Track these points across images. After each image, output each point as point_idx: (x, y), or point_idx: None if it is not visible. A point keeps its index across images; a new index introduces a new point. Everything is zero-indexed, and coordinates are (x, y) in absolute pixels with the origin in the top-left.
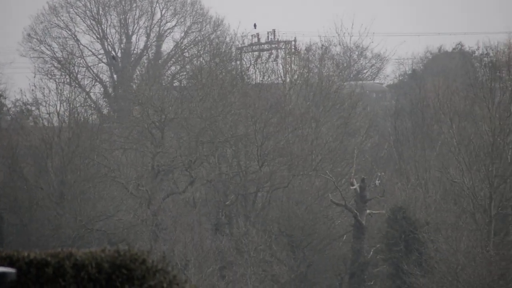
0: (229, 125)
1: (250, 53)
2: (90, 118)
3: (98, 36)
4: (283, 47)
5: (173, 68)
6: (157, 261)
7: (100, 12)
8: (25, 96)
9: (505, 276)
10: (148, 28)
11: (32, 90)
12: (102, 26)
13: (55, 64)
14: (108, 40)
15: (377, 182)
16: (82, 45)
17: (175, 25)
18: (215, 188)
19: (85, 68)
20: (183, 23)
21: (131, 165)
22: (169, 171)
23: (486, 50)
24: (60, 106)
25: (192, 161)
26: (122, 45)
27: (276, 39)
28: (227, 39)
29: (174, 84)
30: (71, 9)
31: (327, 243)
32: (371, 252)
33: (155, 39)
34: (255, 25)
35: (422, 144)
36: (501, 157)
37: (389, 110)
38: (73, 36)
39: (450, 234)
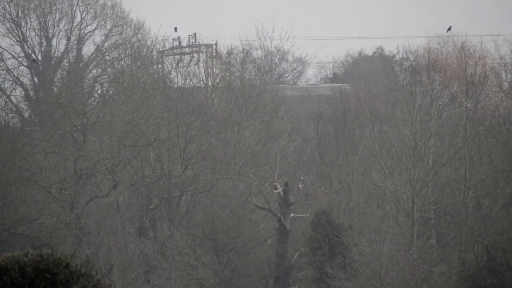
0: (152, 129)
1: (171, 56)
2: (11, 121)
3: (18, 39)
4: (204, 51)
5: (94, 71)
6: (81, 265)
7: (20, 14)
8: None
9: (428, 279)
10: (68, 31)
11: None
12: (22, 29)
13: None
14: (28, 43)
15: (300, 185)
16: (2, 48)
17: (95, 28)
18: (139, 191)
19: (5, 71)
20: (103, 26)
21: (53, 169)
22: (92, 174)
23: (406, 54)
24: None
25: (115, 165)
26: (42, 48)
27: (197, 43)
28: (148, 43)
29: (96, 88)
30: None
31: (252, 247)
32: (295, 256)
33: (75, 42)
34: (176, 29)
35: (344, 148)
36: (422, 160)
37: (311, 114)
38: None
39: (374, 238)
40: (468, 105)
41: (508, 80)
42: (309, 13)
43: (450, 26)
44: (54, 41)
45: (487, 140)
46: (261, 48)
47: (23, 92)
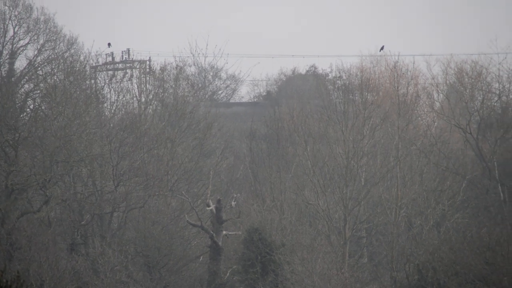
0: (84, 144)
1: (104, 72)
2: None
3: None
4: (138, 67)
5: (26, 86)
6: (11, 281)
7: None
8: None
9: None
10: (0, 45)
11: None
12: None
13: None
14: None
15: (233, 203)
16: None
17: (28, 43)
18: (70, 207)
19: None
20: (36, 40)
21: None
22: (23, 190)
23: (339, 73)
24: None
25: (46, 180)
26: None
27: (131, 59)
28: (81, 58)
29: (28, 102)
30: None
31: (184, 264)
32: (228, 274)
33: (7, 56)
34: (109, 44)
35: (277, 166)
36: (354, 179)
37: (245, 132)
38: None
39: (306, 256)
40: (400, 124)
41: (440, 100)
42: (243, 30)
43: (383, 46)
44: None
45: (419, 160)
46: (194, 64)
47: None
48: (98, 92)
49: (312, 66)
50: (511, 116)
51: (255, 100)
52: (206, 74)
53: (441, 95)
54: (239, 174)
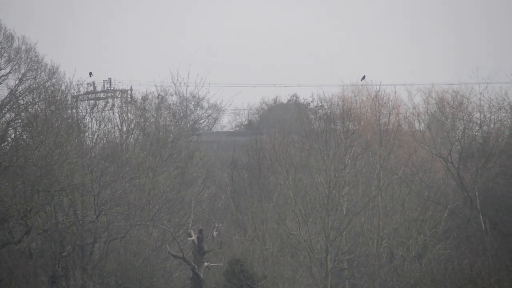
0: (65, 174)
1: (86, 101)
2: None
3: None
4: (119, 96)
5: (7, 115)
6: None
7: None
8: None
9: None
10: None
11: None
12: None
13: None
14: None
15: (214, 233)
16: None
17: (9, 72)
18: (52, 237)
19: None
20: (17, 70)
21: None
22: (4, 220)
23: (321, 102)
24: None
25: (27, 210)
26: None
27: (112, 88)
28: (63, 87)
29: (9, 132)
30: None
31: None
32: None
33: None
34: (90, 74)
35: (259, 196)
36: (336, 209)
37: (226, 161)
38: None
39: None
40: (382, 154)
41: (421, 130)
42: (225, 60)
43: (364, 75)
44: None
45: (401, 189)
46: (176, 94)
47: None
48: (79, 121)
49: (293, 96)
50: (492, 145)
51: (237, 129)
52: (187, 103)
53: (423, 124)
54: (221, 203)
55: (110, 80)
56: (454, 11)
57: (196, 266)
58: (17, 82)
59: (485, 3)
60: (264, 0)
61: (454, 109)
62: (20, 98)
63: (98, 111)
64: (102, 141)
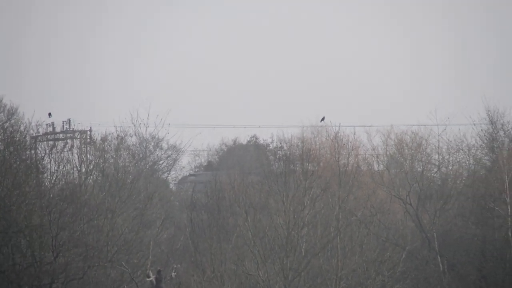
0: (24, 215)
1: (45, 142)
2: None
3: None
4: (78, 137)
5: None
6: None
7: None
8: None
9: None
10: None
11: None
12: None
13: None
14: None
15: (173, 274)
16: None
17: None
18: (9, 279)
19: None
20: None
21: None
22: None
23: (281, 143)
24: None
25: None
26: None
27: (72, 129)
28: (22, 128)
29: None
30: None
31: None
32: None
33: None
34: (50, 114)
35: (217, 237)
36: (295, 250)
37: (185, 202)
38: None
39: None
40: (341, 195)
41: (380, 171)
42: (184, 101)
43: (324, 117)
44: None
45: (359, 230)
46: (135, 135)
47: None
48: (38, 162)
49: (253, 137)
50: (450, 187)
51: (196, 170)
52: (147, 144)
53: (382, 165)
54: (180, 244)
55: (70, 120)
56: (412, 53)
57: None
58: None
59: (441, 45)
60: (224, 41)
61: (413, 151)
62: None
63: (57, 152)
64: (60, 182)
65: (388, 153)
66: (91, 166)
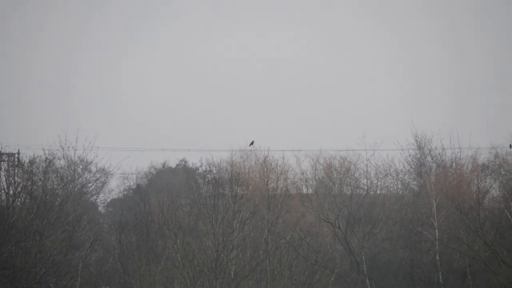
0: None
1: None
2: None
3: None
4: (6, 159)
5: None
6: None
7: None
8: None
9: None
10: None
11: None
12: None
13: None
14: None
15: None
16: None
17: None
18: None
19: None
20: None
21: None
22: None
23: (210, 167)
24: None
25: None
26: None
27: None
28: None
29: None
30: None
31: None
32: None
33: None
34: None
35: (146, 259)
36: (224, 272)
37: (114, 224)
38: None
39: None
40: (270, 218)
41: (309, 195)
42: (113, 125)
43: (253, 141)
44: None
45: (288, 254)
46: (64, 158)
47: None
48: None
49: (182, 160)
50: (378, 211)
51: (125, 193)
52: (75, 167)
53: (310, 189)
54: (108, 266)
55: None
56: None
57: None
58: None
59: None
60: (150, 65)
61: (341, 175)
62: None
63: None
64: None
65: (317, 177)
66: (19, 189)
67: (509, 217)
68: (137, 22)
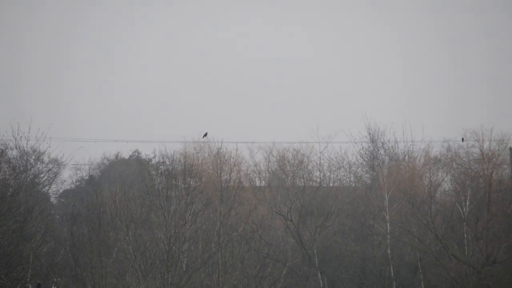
0: None
1: None
2: None
3: None
4: None
5: None
6: None
7: None
8: None
9: None
10: None
11: None
12: None
13: None
14: None
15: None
16: None
17: None
18: None
19: None
20: None
21: None
22: None
23: (163, 158)
24: None
25: None
26: None
27: None
28: None
29: None
30: None
31: None
32: None
33: None
34: None
35: (98, 251)
36: (176, 265)
37: (66, 215)
38: None
39: None
40: (222, 210)
41: (262, 187)
42: (65, 115)
43: (206, 133)
44: None
45: (240, 246)
46: (16, 148)
47: None
48: None
49: (135, 151)
50: (331, 204)
51: (78, 184)
52: (28, 157)
53: (263, 182)
54: (60, 258)
55: None
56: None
57: None
58: None
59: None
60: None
61: (294, 167)
62: None
63: None
64: None
65: (270, 169)
66: None
67: (460, 211)
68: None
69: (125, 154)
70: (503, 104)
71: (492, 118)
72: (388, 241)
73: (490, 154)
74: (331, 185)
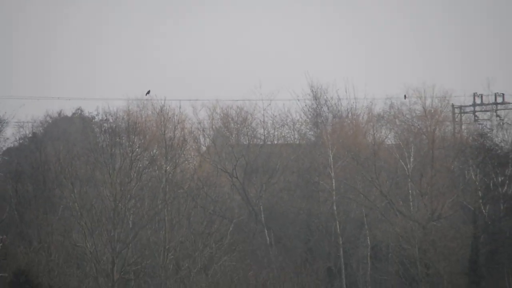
0: None
1: None
2: None
3: None
4: None
5: None
6: None
7: None
8: None
9: None
10: None
11: None
12: None
13: None
14: None
15: None
16: None
17: None
18: None
19: None
20: None
21: None
22: None
23: (106, 116)
24: None
25: None
26: None
27: None
28: None
29: None
30: None
31: None
32: None
33: None
34: None
35: (44, 208)
36: (123, 222)
37: (10, 173)
38: None
39: None
40: (168, 168)
41: (206, 145)
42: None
43: (149, 90)
44: None
45: (186, 203)
46: None
47: None
48: None
49: (78, 109)
50: (276, 161)
51: (21, 142)
52: None
53: (208, 139)
54: (5, 215)
55: None
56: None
57: None
58: None
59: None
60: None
61: (238, 125)
62: None
63: None
64: None
65: (214, 127)
66: None
67: (404, 167)
68: None
69: (68, 112)
70: (444, 61)
71: (434, 75)
72: (334, 197)
73: (432, 111)
74: (276, 142)
